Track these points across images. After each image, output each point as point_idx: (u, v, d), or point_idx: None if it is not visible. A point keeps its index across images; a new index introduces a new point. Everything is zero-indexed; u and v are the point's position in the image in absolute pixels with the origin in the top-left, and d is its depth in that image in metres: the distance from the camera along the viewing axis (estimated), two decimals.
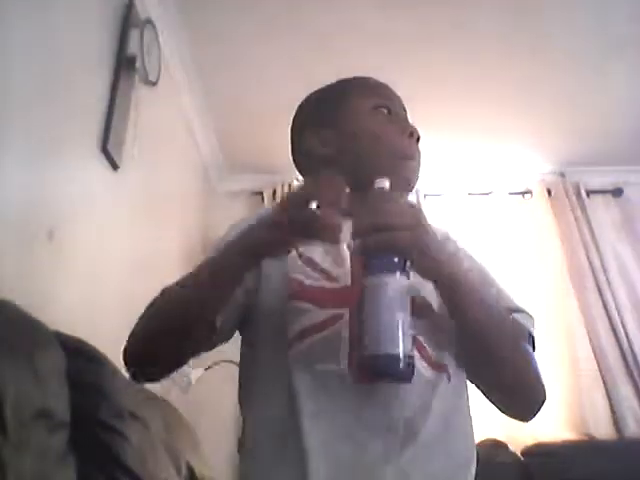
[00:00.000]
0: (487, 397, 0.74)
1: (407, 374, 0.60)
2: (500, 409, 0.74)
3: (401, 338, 0.58)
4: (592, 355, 2.36)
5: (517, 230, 2.68)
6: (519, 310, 0.78)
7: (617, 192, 2.77)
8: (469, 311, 0.65)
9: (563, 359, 2.39)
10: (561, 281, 2.55)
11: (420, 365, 0.68)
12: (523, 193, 2.81)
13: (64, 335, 0.96)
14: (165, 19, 1.87)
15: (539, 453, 2.08)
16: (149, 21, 1.70)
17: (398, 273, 0.61)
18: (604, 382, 2.31)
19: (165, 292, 0.74)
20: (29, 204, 1.14)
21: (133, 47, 1.59)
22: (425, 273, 0.64)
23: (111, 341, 1.24)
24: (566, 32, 2.02)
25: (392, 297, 0.59)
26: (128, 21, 1.59)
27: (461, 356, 0.73)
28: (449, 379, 0.72)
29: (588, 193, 2.76)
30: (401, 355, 0.58)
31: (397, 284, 0.60)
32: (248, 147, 2.68)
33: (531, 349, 0.75)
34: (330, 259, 0.77)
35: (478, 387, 0.74)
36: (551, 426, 2.25)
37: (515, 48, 2.08)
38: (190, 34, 1.99)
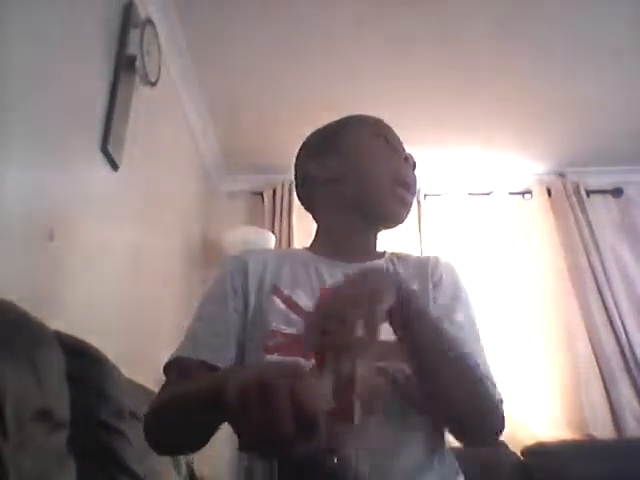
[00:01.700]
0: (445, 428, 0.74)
1: None
2: (456, 437, 0.73)
3: None
4: (592, 355, 2.36)
5: (517, 230, 2.68)
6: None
7: (617, 192, 2.77)
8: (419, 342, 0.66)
9: (563, 359, 2.39)
10: (561, 281, 2.55)
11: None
12: (523, 193, 2.81)
13: (64, 335, 0.96)
14: (165, 19, 1.87)
15: (539, 453, 2.08)
16: (149, 21, 1.70)
17: None
18: (604, 382, 2.30)
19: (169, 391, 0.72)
20: (29, 204, 1.14)
21: (133, 47, 1.58)
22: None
23: (111, 341, 1.24)
24: (565, 33, 2.02)
25: None
26: (128, 21, 1.59)
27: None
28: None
29: (588, 193, 2.76)
30: None
31: None
32: (248, 147, 2.68)
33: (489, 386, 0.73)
34: (311, 299, 0.76)
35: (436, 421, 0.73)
36: (551, 426, 2.25)
37: (515, 49, 2.08)
38: (190, 34, 1.99)
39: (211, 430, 0.65)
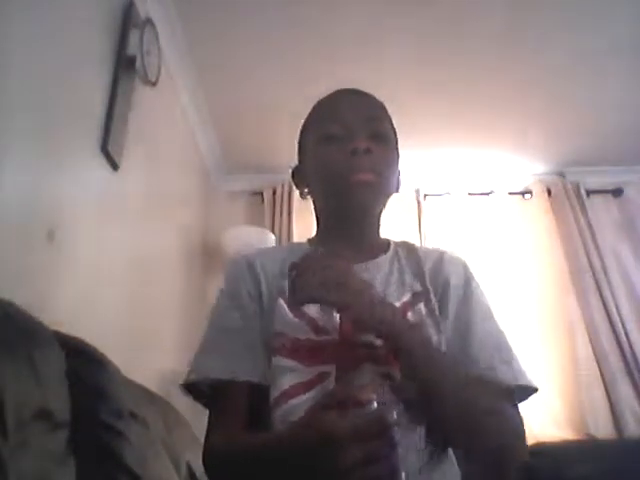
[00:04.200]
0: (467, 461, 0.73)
1: None
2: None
3: None
4: (592, 355, 2.37)
5: (517, 230, 2.68)
6: (507, 362, 0.75)
7: (617, 192, 2.77)
8: (417, 371, 0.67)
9: (563, 359, 2.39)
10: (561, 281, 2.55)
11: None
12: (523, 193, 2.81)
13: (64, 335, 0.96)
14: (165, 19, 1.87)
15: (539, 453, 2.08)
16: (149, 21, 1.70)
17: None
18: (604, 382, 2.31)
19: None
20: (29, 204, 1.14)
21: (133, 47, 1.59)
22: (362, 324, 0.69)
23: (111, 341, 1.24)
24: (565, 33, 2.02)
25: None
26: (128, 21, 1.59)
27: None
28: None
29: (588, 193, 2.76)
30: None
31: None
32: (248, 147, 2.68)
33: (508, 405, 0.72)
34: (315, 306, 0.75)
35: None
36: (551, 426, 2.25)
37: (515, 49, 2.08)
38: (190, 34, 1.99)
39: None
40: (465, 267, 0.85)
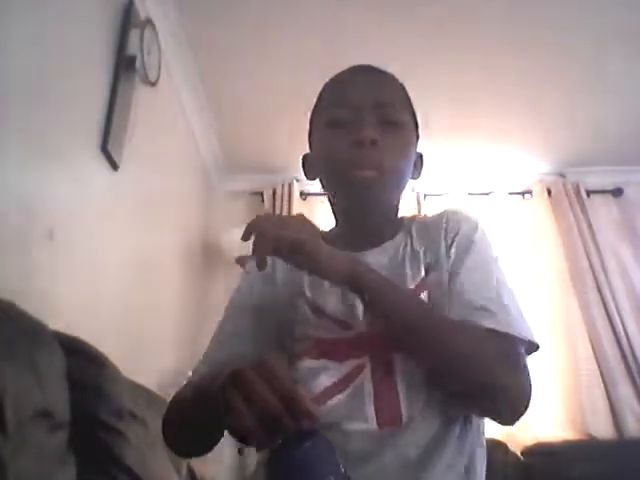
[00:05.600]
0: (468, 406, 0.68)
1: None
2: (482, 414, 0.69)
3: None
4: (592, 355, 2.36)
5: (517, 230, 2.68)
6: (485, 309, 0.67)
7: (617, 192, 2.78)
8: (377, 308, 0.65)
9: (563, 359, 2.39)
10: (561, 281, 2.55)
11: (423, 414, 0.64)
12: (523, 193, 2.81)
13: (64, 335, 0.96)
14: (165, 19, 1.87)
15: (539, 453, 2.08)
16: (149, 21, 1.70)
17: None
18: (604, 382, 2.31)
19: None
20: (29, 204, 1.14)
21: (133, 47, 1.59)
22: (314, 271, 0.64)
23: (111, 341, 1.25)
24: (565, 33, 2.02)
25: None
26: (128, 21, 1.59)
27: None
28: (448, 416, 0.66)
29: (588, 193, 2.76)
30: None
31: None
32: (248, 147, 2.68)
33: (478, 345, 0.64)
34: (337, 301, 0.72)
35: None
36: (551, 426, 2.25)
37: (515, 49, 2.08)
38: (190, 34, 1.99)
39: (214, 431, 0.64)
40: (464, 221, 0.77)
